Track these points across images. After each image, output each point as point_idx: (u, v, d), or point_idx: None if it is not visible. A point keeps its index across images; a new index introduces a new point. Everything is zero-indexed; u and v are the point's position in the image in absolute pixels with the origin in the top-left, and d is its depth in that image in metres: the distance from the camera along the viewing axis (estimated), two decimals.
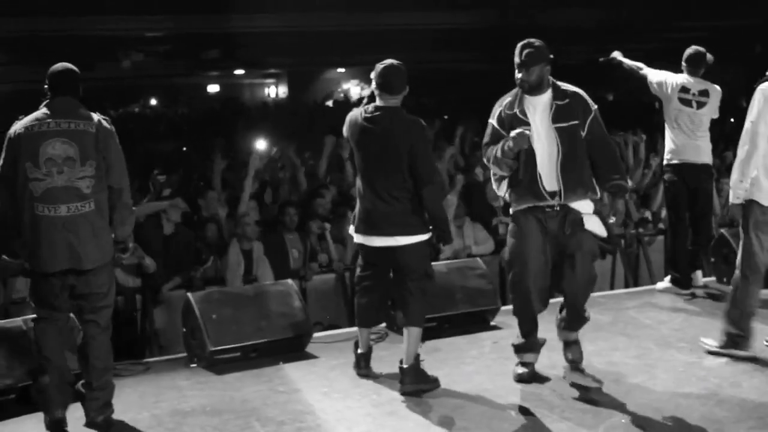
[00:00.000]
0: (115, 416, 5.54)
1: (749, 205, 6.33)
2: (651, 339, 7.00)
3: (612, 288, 10.52)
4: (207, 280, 9.18)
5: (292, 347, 7.03)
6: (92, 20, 18.87)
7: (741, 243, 6.49)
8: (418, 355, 6.07)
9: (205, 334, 6.72)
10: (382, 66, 6.03)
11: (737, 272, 6.46)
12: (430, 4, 22.10)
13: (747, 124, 6.30)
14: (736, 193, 6.37)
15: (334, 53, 25.34)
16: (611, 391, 5.85)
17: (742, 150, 6.31)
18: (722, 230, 9.16)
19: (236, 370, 6.65)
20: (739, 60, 20.52)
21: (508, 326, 7.51)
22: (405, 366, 6.03)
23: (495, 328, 7.56)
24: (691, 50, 8.21)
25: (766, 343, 6.69)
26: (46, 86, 5.44)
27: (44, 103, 5.41)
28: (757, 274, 6.40)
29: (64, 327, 5.60)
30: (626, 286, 10.58)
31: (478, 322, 7.57)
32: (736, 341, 6.45)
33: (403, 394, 6.00)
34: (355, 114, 6.14)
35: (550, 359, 6.40)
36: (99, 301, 5.45)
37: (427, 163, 5.96)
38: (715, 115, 8.20)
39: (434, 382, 6.08)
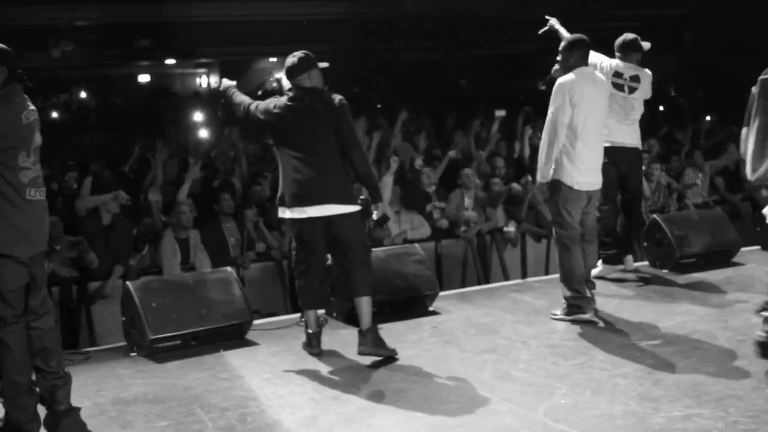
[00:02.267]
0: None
1: (556, 184, 7.08)
2: (588, 322, 7.07)
3: (547, 273, 10.69)
4: (143, 269, 9.15)
5: (233, 335, 7.03)
6: (23, 9, 18.53)
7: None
8: (374, 323, 6.31)
9: (145, 322, 6.69)
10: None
11: (558, 247, 7.27)
12: None
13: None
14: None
15: (266, 43, 25.20)
16: (550, 373, 5.96)
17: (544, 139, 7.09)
18: (654, 216, 9.35)
19: (177, 358, 6.64)
20: (670, 49, 20.86)
21: (446, 311, 7.63)
22: (363, 329, 6.28)
23: (434, 313, 7.63)
24: (624, 36, 8.35)
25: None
26: (12, 67, 5.08)
27: (10, 86, 5.06)
28: (575, 240, 7.16)
29: None
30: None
31: (417, 307, 7.64)
32: (578, 305, 7.10)
33: (360, 354, 6.26)
34: (275, 101, 6.50)
35: (491, 342, 6.52)
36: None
37: (351, 128, 6.35)
38: (648, 95, 8.37)
39: (392, 351, 6.33)
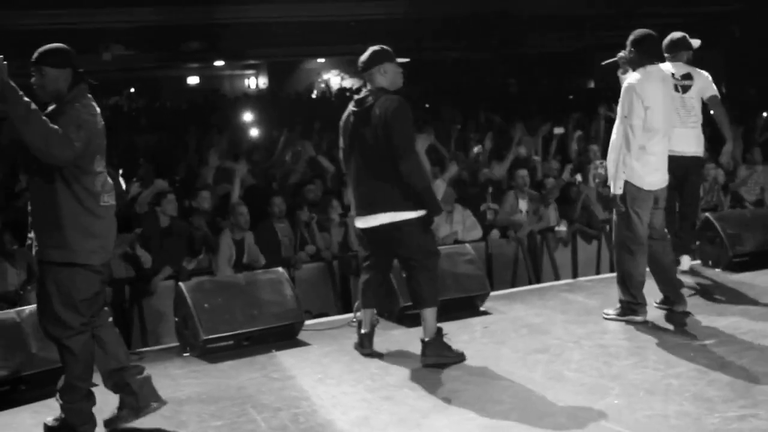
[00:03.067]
0: (110, 407, 5.53)
1: (625, 186, 6.91)
2: (640, 322, 7.03)
3: (598, 273, 10.63)
4: (195, 271, 9.21)
5: (285, 335, 7.07)
6: (72, 12, 18.77)
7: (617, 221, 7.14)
8: (440, 329, 6.22)
9: (198, 322, 6.75)
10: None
11: (620, 250, 7.11)
12: None
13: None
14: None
15: (313, 43, 25.32)
16: (603, 373, 5.92)
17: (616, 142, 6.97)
18: (707, 214, 9.25)
19: (229, 358, 6.68)
20: (718, 45, 20.63)
21: (497, 311, 7.61)
22: (426, 339, 6.21)
23: (485, 313, 7.62)
24: (671, 36, 8.20)
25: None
26: (76, 69, 5.00)
27: (77, 89, 5.01)
28: (641, 245, 7.02)
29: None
30: (611, 270, 10.66)
31: (468, 307, 7.62)
32: (632, 308, 6.99)
33: (425, 366, 6.17)
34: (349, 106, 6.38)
35: (543, 342, 6.50)
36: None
37: (401, 137, 6.01)
38: (707, 94, 8.12)
39: (459, 355, 6.26)
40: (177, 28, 22.37)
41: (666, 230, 7.31)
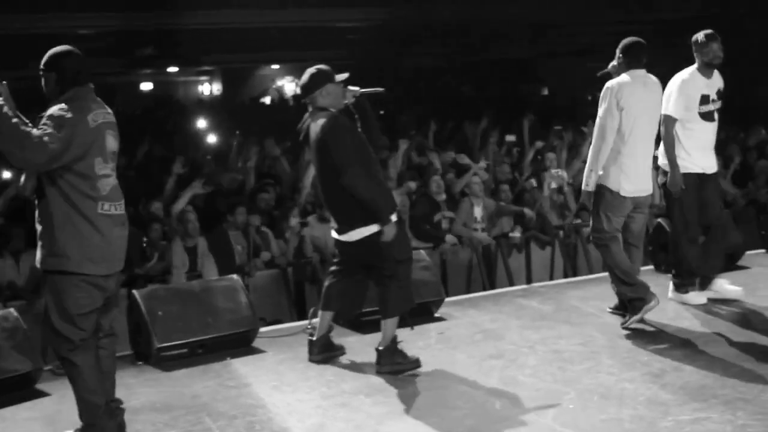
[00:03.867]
0: (64, 414, 5.50)
1: (601, 190, 6.99)
2: (594, 327, 7.11)
3: (551, 278, 10.68)
4: (150, 278, 9.14)
5: (239, 342, 7.02)
6: (25, 18, 18.60)
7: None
8: (395, 337, 6.21)
9: (152, 330, 6.69)
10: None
11: (598, 249, 7.22)
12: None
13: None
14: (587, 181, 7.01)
15: (267, 50, 25.27)
16: (558, 378, 5.96)
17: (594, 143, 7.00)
18: (659, 219, 9.32)
19: (184, 366, 6.63)
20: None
21: (452, 317, 7.63)
22: (381, 348, 6.20)
23: (440, 319, 7.63)
24: (698, 35, 7.51)
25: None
26: (62, 72, 4.93)
27: (72, 90, 4.92)
28: (613, 237, 7.04)
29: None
30: (565, 276, 10.75)
31: (424, 313, 7.60)
32: (640, 297, 6.91)
33: (378, 373, 6.16)
34: None
35: (498, 348, 6.53)
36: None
37: (339, 154, 5.99)
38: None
39: (414, 362, 6.23)
40: (131, 33, 22.25)
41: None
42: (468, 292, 10.16)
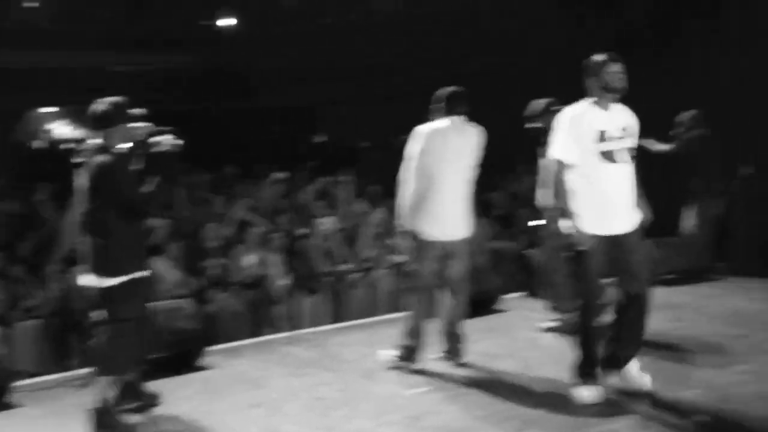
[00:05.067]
0: None
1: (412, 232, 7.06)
2: (355, 372, 7.23)
3: (316, 325, 10.75)
4: None
5: None
6: None
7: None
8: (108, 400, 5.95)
9: None
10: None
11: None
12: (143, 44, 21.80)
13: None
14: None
15: (39, 91, 24.56)
16: (319, 426, 6.02)
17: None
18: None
19: None
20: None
21: (218, 366, 7.60)
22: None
23: (203, 368, 7.55)
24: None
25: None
26: None
27: None
28: (423, 292, 7.15)
29: None
30: (333, 322, 10.84)
31: (187, 363, 7.52)
32: (406, 354, 7.15)
33: None
34: None
35: (263, 396, 6.54)
36: None
37: (111, 195, 5.88)
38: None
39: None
40: None
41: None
42: (234, 339, 10.08)
